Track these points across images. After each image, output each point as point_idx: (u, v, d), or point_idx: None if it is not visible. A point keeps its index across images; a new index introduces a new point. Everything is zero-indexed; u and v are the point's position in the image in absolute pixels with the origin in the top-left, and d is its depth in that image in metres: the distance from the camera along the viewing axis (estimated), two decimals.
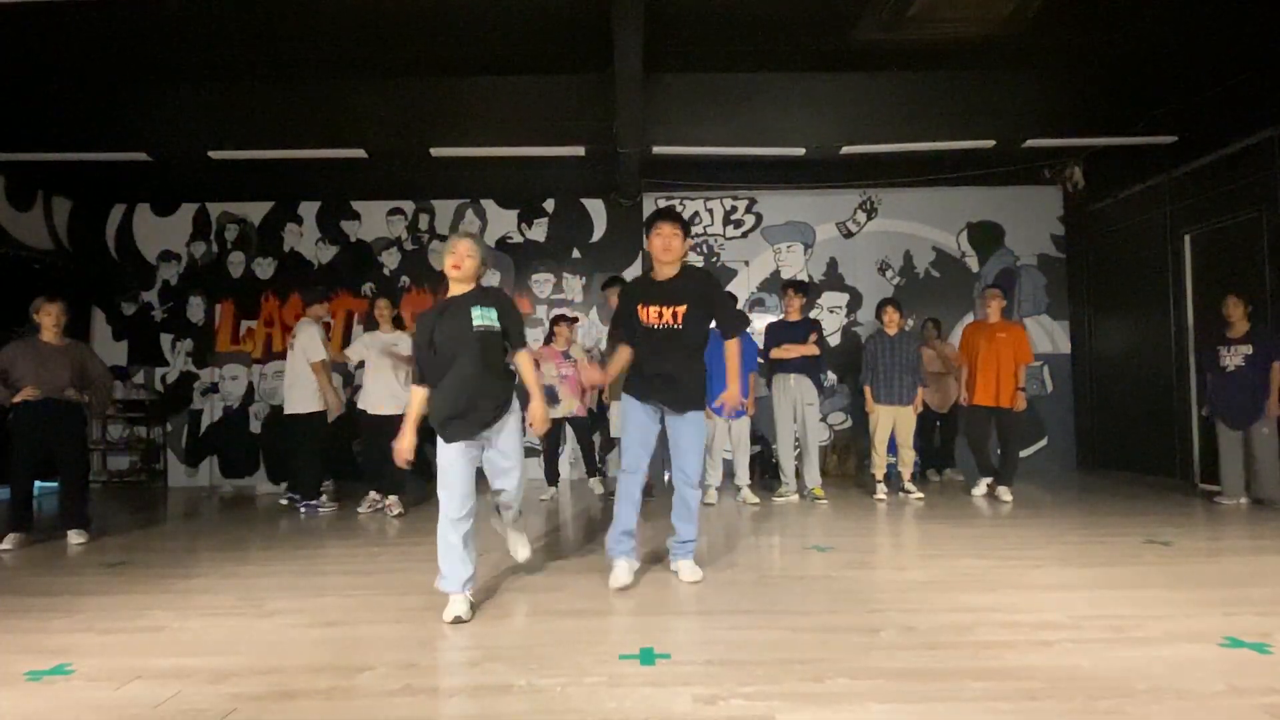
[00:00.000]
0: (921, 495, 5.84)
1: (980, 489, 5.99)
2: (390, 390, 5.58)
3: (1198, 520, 4.84)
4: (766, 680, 2.20)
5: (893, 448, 6.00)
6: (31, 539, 4.60)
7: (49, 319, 4.56)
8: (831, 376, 7.82)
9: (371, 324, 6.38)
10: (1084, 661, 2.32)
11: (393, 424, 5.40)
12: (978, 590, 3.17)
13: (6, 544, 4.38)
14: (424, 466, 7.10)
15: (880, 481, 5.92)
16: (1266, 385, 5.15)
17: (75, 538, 4.57)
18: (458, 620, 2.81)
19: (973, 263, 7.96)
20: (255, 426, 7.82)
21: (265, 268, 7.99)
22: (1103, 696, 2.06)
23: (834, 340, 7.85)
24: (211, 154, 6.48)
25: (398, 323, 5.94)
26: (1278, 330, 5.41)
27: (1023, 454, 7.76)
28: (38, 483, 4.77)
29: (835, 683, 2.18)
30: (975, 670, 2.26)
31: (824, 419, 7.80)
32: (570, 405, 6.12)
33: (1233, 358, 5.32)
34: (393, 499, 5.49)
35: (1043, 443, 7.83)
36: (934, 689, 2.13)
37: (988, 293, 6.04)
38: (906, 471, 5.98)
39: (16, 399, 4.40)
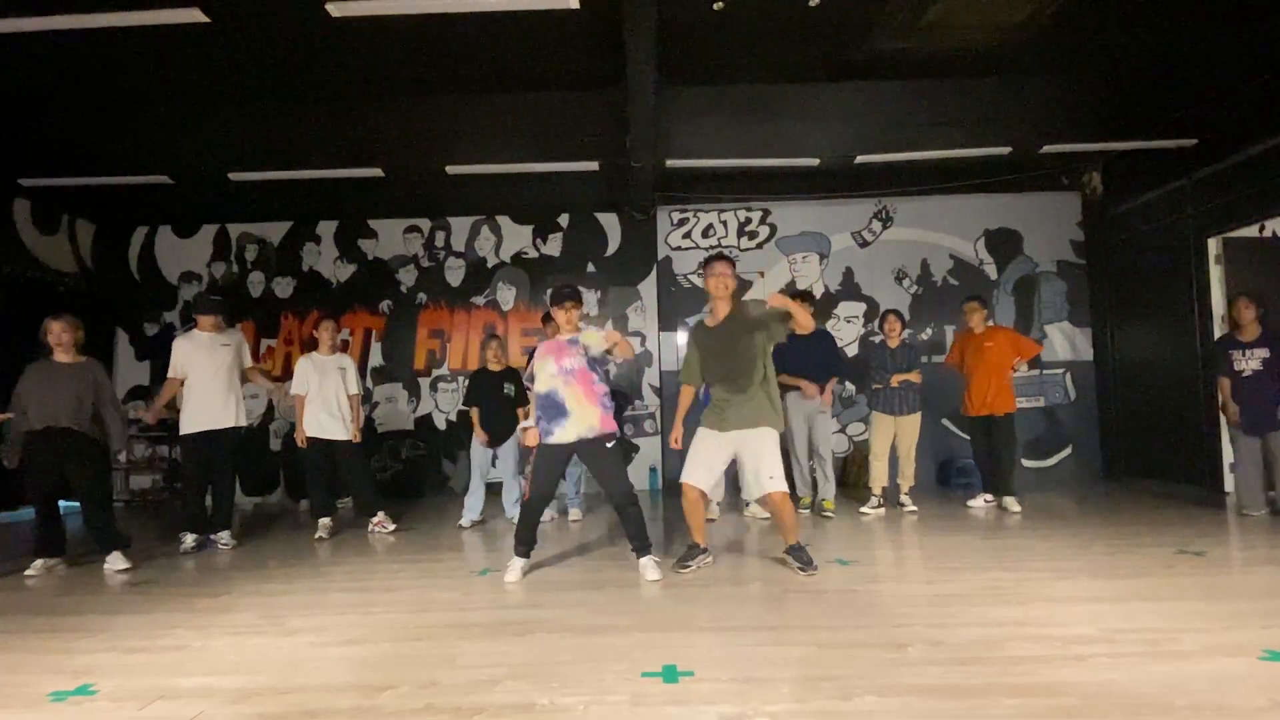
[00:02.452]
0: (915, 509, 5.67)
1: (978, 501, 5.85)
2: (329, 412, 5.37)
3: (1230, 530, 4.72)
4: (793, 698, 2.16)
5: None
6: (65, 562, 4.51)
7: (52, 337, 4.47)
8: (849, 387, 7.76)
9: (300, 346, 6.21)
10: (1120, 676, 2.26)
11: (334, 447, 5.34)
12: (1006, 603, 3.11)
13: (33, 570, 4.31)
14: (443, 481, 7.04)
15: (876, 495, 5.71)
16: None
17: (115, 563, 4.37)
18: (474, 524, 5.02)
19: (991, 270, 7.89)
20: (275, 444, 7.87)
21: (284, 287, 8.07)
22: (1141, 713, 2.00)
23: (851, 351, 7.80)
24: (231, 176, 6.59)
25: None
26: None
27: (1047, 463, 7.68)
28: (62, 504, 4.74)
29: (864, 700, 2.14)
30: (1007, 687, 2.20)
31: (843, 430, 7.75)
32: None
33: (1248, 361, 5.15)
34: (379, 516, 5.45)
35: (1067, 451, 7.71)
36: (965, 706, 2.08)
37: (966, 306, 5.95)
38: (905, 484, 5.81)
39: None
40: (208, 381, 5.02)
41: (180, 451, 5.27)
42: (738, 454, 3.85)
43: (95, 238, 7.95)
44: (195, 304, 5.39)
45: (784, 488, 3.76)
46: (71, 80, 5.08)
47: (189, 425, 4.99)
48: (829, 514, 5.59)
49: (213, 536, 5.05)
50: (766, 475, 3.73)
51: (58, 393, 4.38)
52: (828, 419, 5.77)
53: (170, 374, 5.06)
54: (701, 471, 3.87)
